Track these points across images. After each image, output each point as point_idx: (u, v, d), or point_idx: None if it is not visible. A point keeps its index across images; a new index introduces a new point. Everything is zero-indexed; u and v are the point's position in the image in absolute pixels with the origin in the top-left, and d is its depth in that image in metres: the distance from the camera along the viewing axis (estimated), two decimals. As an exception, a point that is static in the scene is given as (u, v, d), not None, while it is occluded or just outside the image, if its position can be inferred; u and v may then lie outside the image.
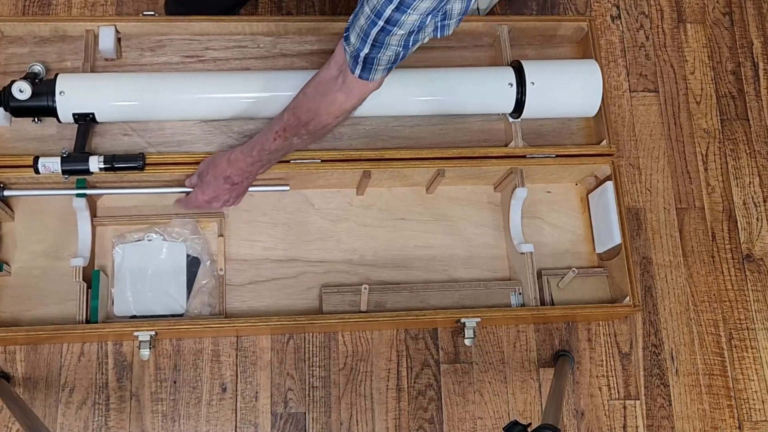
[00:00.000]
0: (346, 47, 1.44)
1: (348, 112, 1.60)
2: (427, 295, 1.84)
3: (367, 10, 1.32)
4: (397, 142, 1.88)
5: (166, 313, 1.80)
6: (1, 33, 1.85)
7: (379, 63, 1.43)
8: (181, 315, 1.80)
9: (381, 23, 1.32)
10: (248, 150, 1.66)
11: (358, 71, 1.46)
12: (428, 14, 1.32)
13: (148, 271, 1.82)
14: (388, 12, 1.30)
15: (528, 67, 1.81)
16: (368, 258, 1.91)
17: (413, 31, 1.35)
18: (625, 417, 1.94)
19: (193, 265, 1.82)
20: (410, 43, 1.39)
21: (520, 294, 1.85)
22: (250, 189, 1.81)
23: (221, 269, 1.82)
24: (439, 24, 1.39)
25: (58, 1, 2.11)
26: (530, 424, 1.44)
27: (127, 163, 1.70)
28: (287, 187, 1.85)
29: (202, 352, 1.86)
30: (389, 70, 1.47)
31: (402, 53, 1.41)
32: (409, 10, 1.29)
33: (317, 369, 1.88)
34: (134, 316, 1.79)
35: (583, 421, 1.92)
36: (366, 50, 1.39)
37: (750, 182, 2.14)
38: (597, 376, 1.95)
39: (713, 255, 2.08)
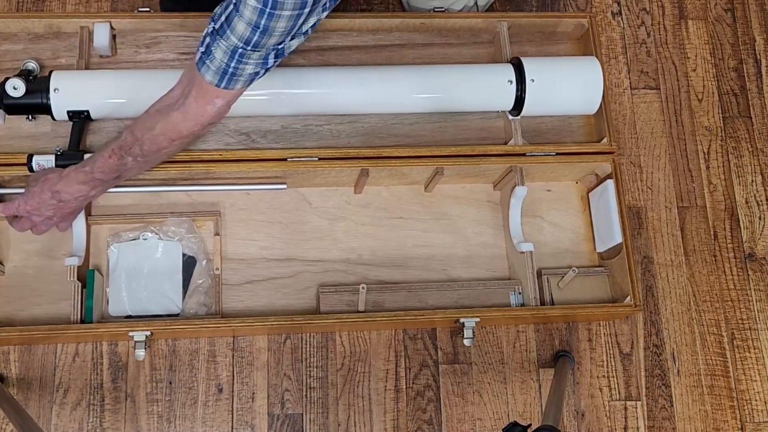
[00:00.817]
0: (207, 61, 1.44)
1: (185, 138, 1.59)
2: (425, 294, 1.84)
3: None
4: (395, 140, 1.88)
5: (161, 313, 1.80)
6: (-5, 29, 1.85)
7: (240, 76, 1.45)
8: (176, 315, 1.80)
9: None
10: (80, 166, 1.62)
11: (199, 66, 1.46)
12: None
13: (144, 271, 1.81)
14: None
15: (528, 64, 1.81)
16: (366, 257, 1.91)
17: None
18: (626, 418, 1.94)
19: (188, 264, 1.82)
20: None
21: (519, 294, 1.85)
22: (247, 188, 1.81)
23: (217, 268, 1.82)
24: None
25: (53, -2, 2.12)
26: (530, 425, 1.43)
27: (122, 161, 1.70)
28: (284, 186, 1.84)
29: (198, 353, 1.86)
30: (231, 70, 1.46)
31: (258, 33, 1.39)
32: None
33: (314, 369, 1.88)
34: (129, 316, 1.79)
35: (584, 422, 1.92)
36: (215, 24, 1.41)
37: (752, 180, 2.14)
38: (597, 377, 1.95)
39: (715, 254, 2.08)
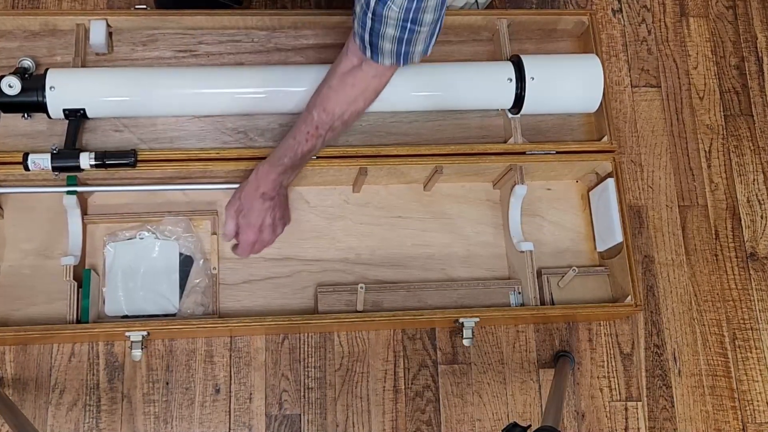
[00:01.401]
0: (355, 35, 1.50)
1: (378, 93, 1.64)
2: (424, 294, 1.84)
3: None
4: (394, 139, 1.88)
5: (158, 313, 1.80)
6: (-10, 27, 1.85)
7: (382, 46, 1.48)
8: (173, 315, 1.80)
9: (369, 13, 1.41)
10: (276, 160, 1.66)
11: (368, 54, 1.51)
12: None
13: (140, 270, 1.81)
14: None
15: (528, 62, 1.81)
16: (365, 257, 1.91)
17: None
18: (626, 419, 1.94)
19: (185, 263, 1.82)
20: (410, 21, 1.43)
21: (519, 293, 1.85)
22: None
23: (215, 268, 1.82)
24: None
25: (49, -5, 2.12)
26: (530, 425, 1.44)
27: (119, 159, 1.70)
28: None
29: (195, 353, 1.86)
30: (404, 54, 1.51)
31: (408, 32, 1.45)
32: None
33: (312, 370, 1.88)
34: (126, 316, 1.79)
35: (584, 423, 1.92)
36: (366, 34, 1.46)
37: (754, 179, 2.14)
38: (598, 377, 1.95)
39: (716, 253, 2.08)
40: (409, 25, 1.41)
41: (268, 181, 1.66)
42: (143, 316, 1.79)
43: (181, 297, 1.81)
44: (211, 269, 1.82)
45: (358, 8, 1.44)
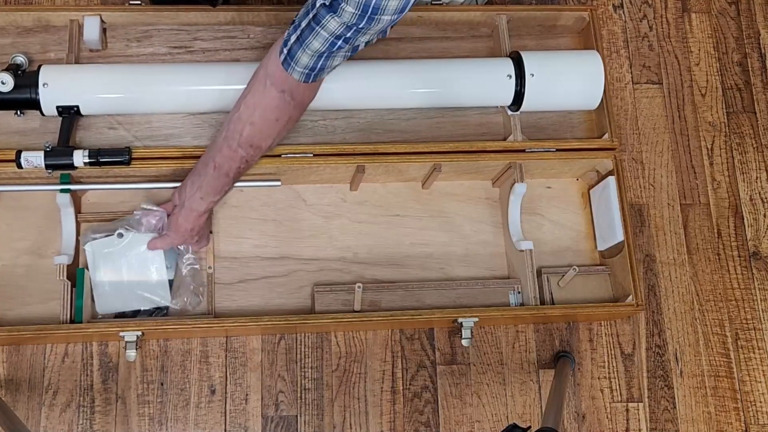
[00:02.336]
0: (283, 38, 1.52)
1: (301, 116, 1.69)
2: (422, 294, 1.84)
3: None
4: (392, 136, 1.89)
5: (151, 308, 1.79)
6: (-18, 23, 1.85)
7: (298, 62, 1.50)
8: (166, 308, 1.80)
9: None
10: (205, 201, 1.70)
11: (281, 58, 1.52)
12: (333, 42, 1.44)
13: (124, 267, 1.78)
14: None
15: (527, 59, 1.82)
16: (362, 256, 1.91)
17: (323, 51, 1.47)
18: (627, 420, 1.94)
19: (171, 254, 1.81)
20: (324, 61, 1.50)
21: (519, 293, 1.86)
22: (240, 185, 1.81)
23: (210, 267, 1.82)
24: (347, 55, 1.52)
25: (42, -10, 2.12)
26: (530, 427, 1.44)
27: (113, 157, 1.70)
28: (278, 183, 1.84)
29: (191, 353, 1.86)
30: (308, 75, 1.54)
31: (319, 64, 1.50)
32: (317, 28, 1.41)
33: (309, 370, 1.88)
34: (119, 314, 1.78)
35: (585, 424, 1.93)
36: (292, 40, 1.48)
37: (757, 177, 2.14)
38: (599, 378, 1.96)
39: (719, 252, 2.08)
40: (339, 42, 1.43)
41: (200, 222, 1.74)
42: (136, 312, 1.79)
43: (172, 289, 1.80)
44: (206, 268, 1.81)
45: (301, 13, 1.46)
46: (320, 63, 1.49)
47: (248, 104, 1.60)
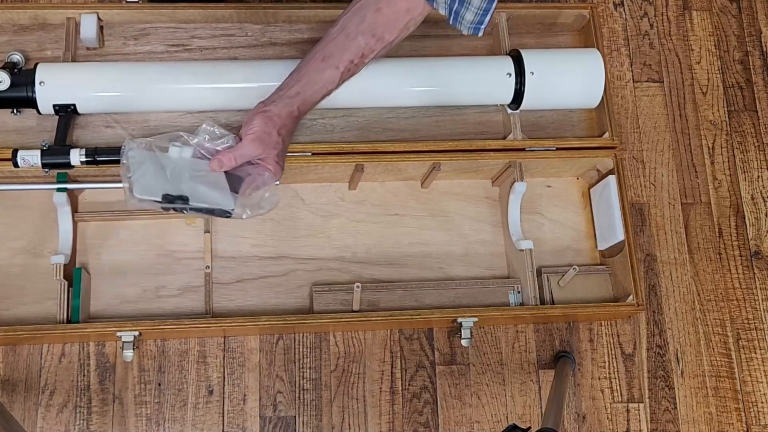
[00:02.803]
0: None
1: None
2: (422, 293, 1.84)
3: None
4: (391, 135, 1.89)
5: (213, 207, 1.57)
6: (-22, 21, 1.85)
7: None
8: (230, 213, 1.58)
9: None
10: (293, 99, 1.58)
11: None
12: None
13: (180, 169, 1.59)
14: None
15: (527, 57, 1.82)
16: (361, 255, 1.91)
17: None
18: (628, 420, 1.94)
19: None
20: None
21: (518, 293, 1.86)
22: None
23: (208, 267, 1.82)
24: None
25: (38, -12, 2.12)
26: (530, 428, 1.44)
27: (110, 156, 1.70)
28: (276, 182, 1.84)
29: (188, 353, 1.86)
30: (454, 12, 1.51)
31: None
32: None
33: (308, 371, 1.88)
34: (167, 195, 1.53)
35: (585, 425, 1.93)
36: None
37: (759, 176, 2.15)
38: (599, 378, 1.96)
39: (720, 252, 2.09)
40: None
41: (288, 127, 1.59)
42: (185, 201, 1.55)
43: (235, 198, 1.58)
44: (205, 267, 1.81)
45: None
46: None
47: None
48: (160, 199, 1.53)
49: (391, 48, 1.61)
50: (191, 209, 1.54)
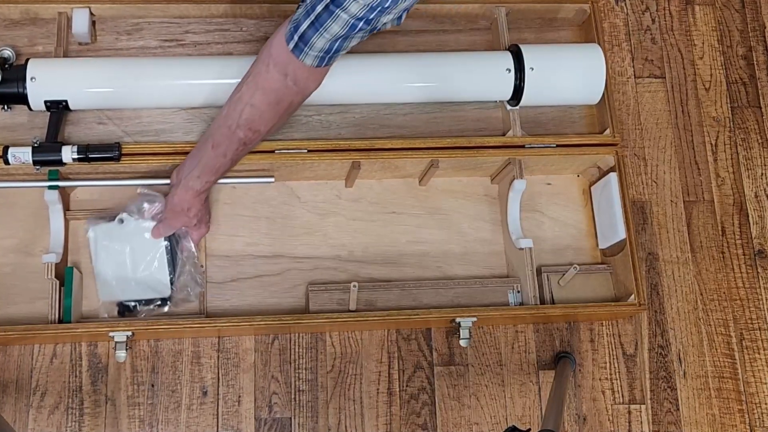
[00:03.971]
0: (291, 21, 1.50)
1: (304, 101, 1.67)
2: (419, 293, 1.84)
3: None
4: (388, 131, 1.89)
5: (154, 297, 1.80)
6: (-32, 16, 1.86)
7: (312, 46, 1.48)
8: (168, 298, 1.80)
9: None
10: (201, 181, 1.70)
11: (291, 45, 1.50)
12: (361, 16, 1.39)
13: (127, 255, 1.80)
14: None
15: (527, 52, 1.82)
16: (357, 254, 1.91)
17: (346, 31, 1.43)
18: (629, 422, 1.95)
19: (171, 243, 1.81)
20: (341, 43, 1.48)
21: (518, 292, 1.86)
22: (232, 181, 1.82)
23: (202, 266, 1.82)
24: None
25: (29, -18, 2.12)
26: (529, 429, 1.45)
27: (102, 153, 1.71)
28: (272, 179, 1.85)
29: (182, 354, 1.87)
30: (323, 59, 1.52)
31: (335, 46, 1.48)
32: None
33: (304, 371, 1.89)
34: (121, 303, 1.79)
35: (586, 427, 1.93)
36: (305, 25, 1.45)
37: (762, 173, 2.15)
38: (600, 379, 1.96)
39: (723, 251, 2.09)
40: (360, 24, 1.40)
41: (197, 203, 1.75)
42: (139, 301, 1.79)
43: (173, 277, 1.80)
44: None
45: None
46: (336, 45, 1.47)
47: (249, 85, 1.60)
48: (117, 303, 1.81)
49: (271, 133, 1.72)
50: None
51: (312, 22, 1.43)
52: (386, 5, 1.35)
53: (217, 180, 1.72)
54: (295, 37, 1.48)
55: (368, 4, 1.35)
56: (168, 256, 1.80)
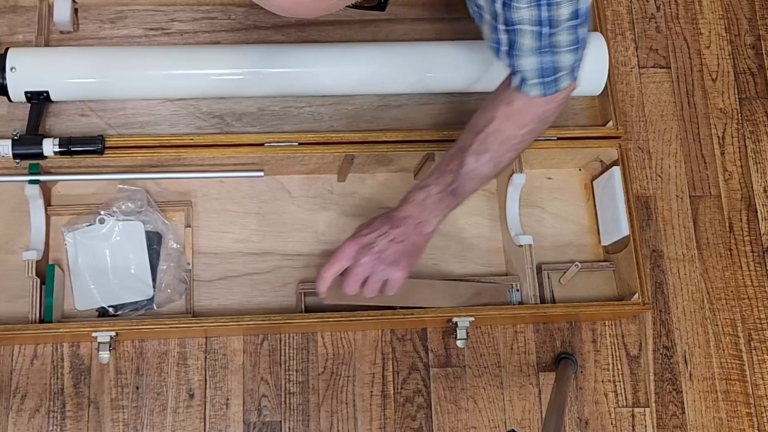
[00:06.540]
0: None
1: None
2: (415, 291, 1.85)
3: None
4: (382, 123, 1.90)
5: (136, 300, 1.80)
6: (-55, 3, 1.86)
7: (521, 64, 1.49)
8: (151, 299, 1.81)
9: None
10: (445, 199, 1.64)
11: (515, 82, 1.52)
12: None
13: (107, 257, 1.82)
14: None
15: (526, 41, 1.83)
16: (351, 251, 1.92)
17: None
18: (633, 426, 1.95)
19: (153, 240, 1.83)
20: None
21: (517, 291, 1.87)
22: (221, 176, 1.82)
23: (189, 263, 1.83)
24: None
25: (8, -32, 2.12)
26: (527, 432, 1.46)
27: (85, 146, 1.71)
28: (261, 173, 1.85)
29: (168, 355, 1.87)
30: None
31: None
32: None
33: (294, 373, 1.89)
34: (102, 308, 1.80)
35: (588, 431, 1.94)
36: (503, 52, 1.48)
37: (771, 168, 2.16)
38: (602, 381, 1.97)
39: (731, 248, 2.10)
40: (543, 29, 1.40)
41: (423, 210, 1.66)
42: (121, 305, 1.80)
43: (155, 278, 1.82)
44: (185, 264, 1.82)
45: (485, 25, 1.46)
46: None
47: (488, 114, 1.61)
48: (97, 309, 1.81)
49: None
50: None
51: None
52: None
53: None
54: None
55: None
56: (150, 254, 1.81)
